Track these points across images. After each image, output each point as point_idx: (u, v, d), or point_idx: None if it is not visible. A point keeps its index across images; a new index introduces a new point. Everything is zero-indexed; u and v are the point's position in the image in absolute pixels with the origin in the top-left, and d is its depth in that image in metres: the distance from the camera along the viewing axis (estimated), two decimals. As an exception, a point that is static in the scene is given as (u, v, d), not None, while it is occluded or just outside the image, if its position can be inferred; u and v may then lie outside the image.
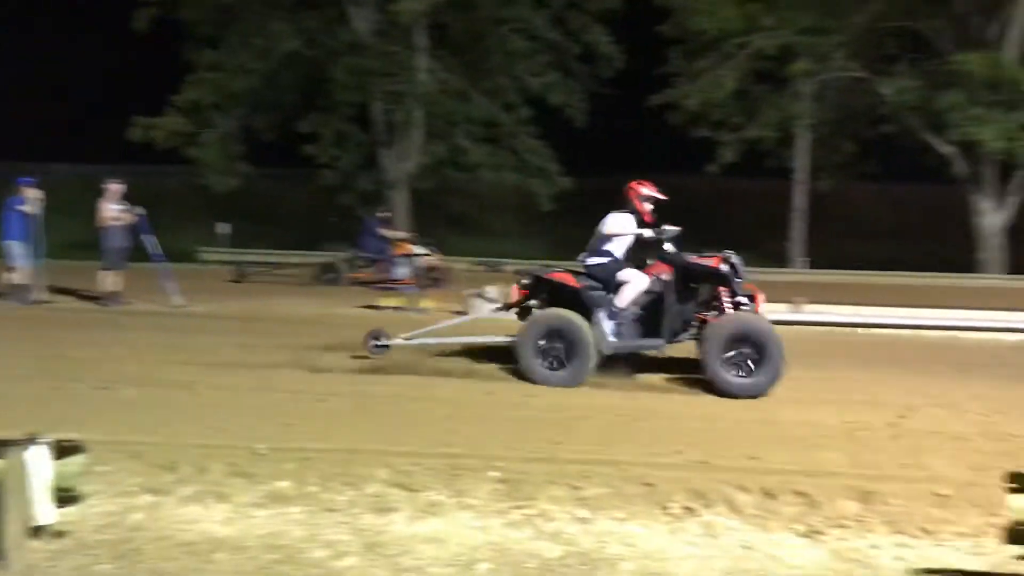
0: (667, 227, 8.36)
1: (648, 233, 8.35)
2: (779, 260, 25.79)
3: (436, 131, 27.00)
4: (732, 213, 31.34)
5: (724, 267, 8.25)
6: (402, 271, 16.96)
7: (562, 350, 8.11)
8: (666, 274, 8.30)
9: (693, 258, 8.35)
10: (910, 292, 17.76)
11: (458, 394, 7.67)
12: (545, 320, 8.26)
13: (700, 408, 7.44)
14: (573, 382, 8.03)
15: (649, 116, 26.78)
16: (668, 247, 8.38)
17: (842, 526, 4.61)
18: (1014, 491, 3.76)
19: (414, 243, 17.59)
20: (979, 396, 8.04)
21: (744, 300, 8.27)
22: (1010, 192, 25.01)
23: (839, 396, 7.99)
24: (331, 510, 4.78)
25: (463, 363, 8.97)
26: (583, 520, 4.60)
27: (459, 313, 11.04)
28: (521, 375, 8.19)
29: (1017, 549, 3.78)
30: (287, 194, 31.13)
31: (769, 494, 5.05)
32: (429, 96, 26.38)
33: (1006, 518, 3.77)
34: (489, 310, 12.04)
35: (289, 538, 4.45)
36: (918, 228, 28.78)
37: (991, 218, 25.06)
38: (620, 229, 8.40)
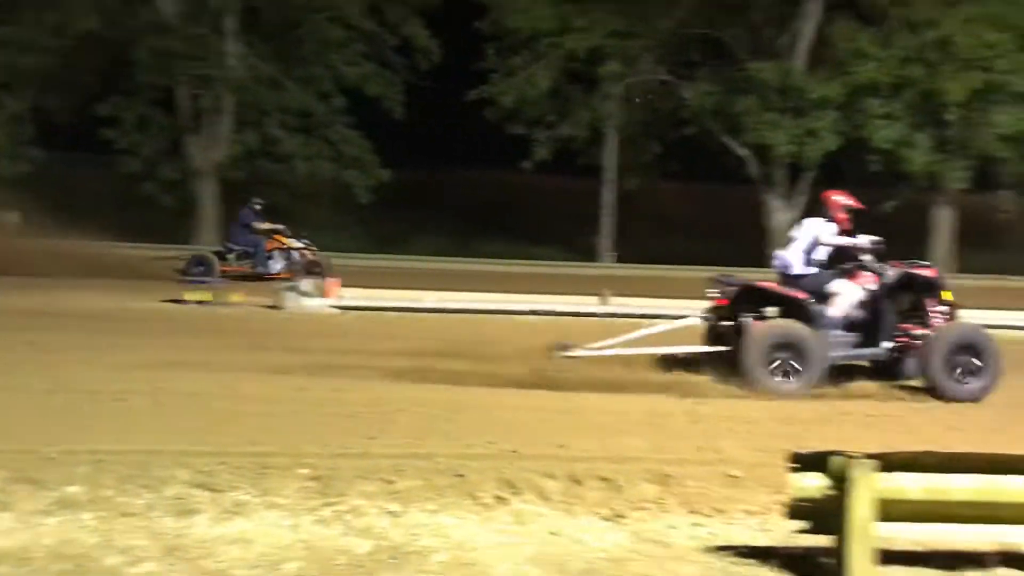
0: (872, 237, 8.52)
1: (862, 242, 8.49)
2: (589, 255, 26.68)
3: (247, 119, 26.09)
4: (546, 208, 32.12)
5: (938, 277, 8.54)
6: (277, 265, 16.47)
7: (791, 360, 8.00)
8: (871, 283, 8.40)
9: (909, 267, 8.53)
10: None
11: (266, 391, 7.46)
12: (773, 331, 8.13)
13: (512, 400, 7.58)
14: (803, 392, 7.93)
15: (467, 111, 27.01)
16: (867, 257, 8.46)
17: (642, 508, 4.82)
18: (795, 470, 4.07)
19: (289, 235, 16.96)
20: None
21: (944, 309, 8.42)
22: (798, 193, 26.96)
23: (642, 384, 8.33)
24: (127, 514, 4.53)
25: (277, 358, 8.75)
26: (394, 514, 4.59)
27: (678, 318, 9.80)
28: (320, 374, 8.07)
29: (798, 524, 4.09)
30: (84, 181, 29.15)
31: (576, 480, 5.21)
32: (239, 82, 25.47)
33: (788, 496, 4.06)
34: (304, 304, 11.81)
35: (80, 546, 4.19)
36: (718, 225, 30.45)
37: (781, 216, 26.93)
38: (832, 239, 8.50)
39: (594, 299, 14.19)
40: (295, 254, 16.73)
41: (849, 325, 8.42)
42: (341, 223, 27.77)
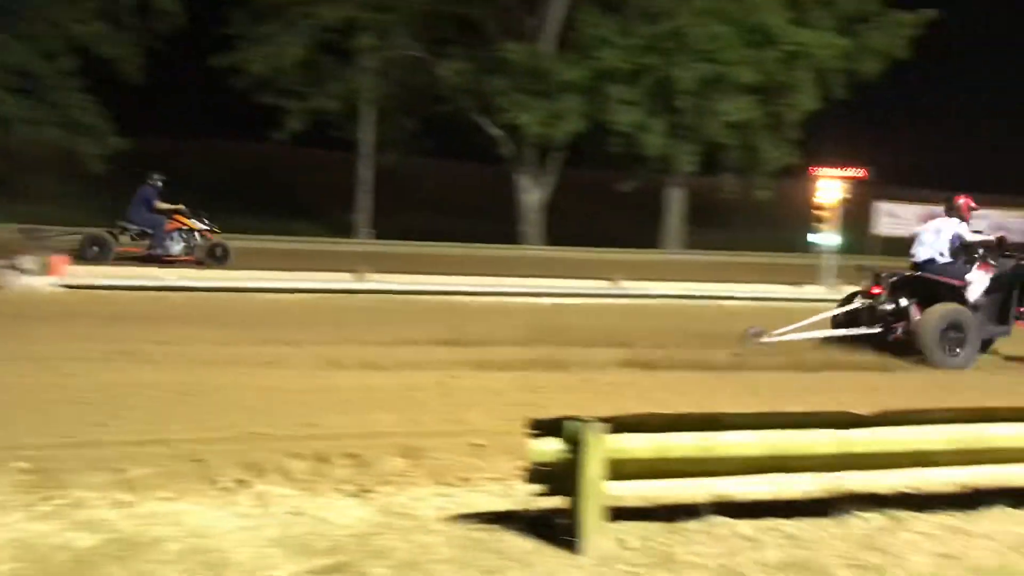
0: (992, 236, 10.30)
1: (989, 238, 10.15)
2: (345, 231, 26.34)
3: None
4: (300, 183, 31.33)
5: None
6: (176, 247, 15.75)
7: (958, 339, 9.35)
8: (991, 272, 9.84)
9: (1020, 260, 10.00)
10: (468, 262, 19.03)
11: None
12: (945, 314, 9.42)
13: (260, 380, 7.35)
14: (967, 365, 9.32)
15: (214, 79, 25.74)
16: (981, 251, 9.93)
17: (389, 483, 4.83)
18: (533, 436, 4.23)
19: (189, 216, 16.02)
20: (512, 354, 8.86)
21: None
22: (547, 172, 28.01)
23: (397, 360, 8.35)
24: None
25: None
26: (125, 504, 4.30)
27: (847, 301, 10.33)
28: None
29: (537, 487, 4.25)
30: None
31: (322, 459, 5.14)
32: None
33: (528, 461, 4.21)
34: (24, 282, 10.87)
35: None
36: (472, 203, 31.07)
37: (531, 195, 27.89)
38: (971, 236, 9.90)
39: (348, 275, 14.05)
40: (196, 235, 15.98)
41: (984, 308, 9.87)
42: (69, 194, 25.63)
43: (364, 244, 24.35)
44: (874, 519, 4.57)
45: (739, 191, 28.59)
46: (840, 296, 11.00)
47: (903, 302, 9.77)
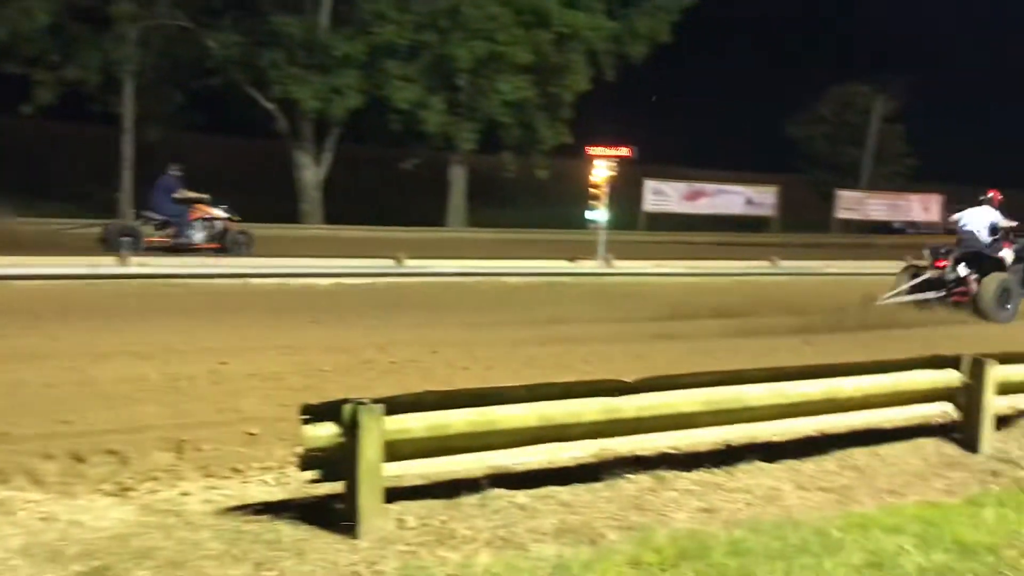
0: (1012, 222, 12.88)
1: (1012, 223, 12.87)
2: (110, 211, 24.58)
3: None
4: (56, 160, 28.94)
5: None
6: (199, 235, 15.92)
7: (1007, 299, 12.39)
8: (1012, 248, 12.74)
9: None
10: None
11: None
12: (1001, 281, 12.41)
13: (6, 375, 6.70)
14: (1012, 318, 12.28)
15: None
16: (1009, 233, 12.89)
17: (154, 479, 4.55)
18: (307, 421, 4.10)
19: (211, 204, 16.20)
20: (291, 337, 8.62)
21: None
22: (326, 149, 27.39)
23: (162, 348, 7.87)
24: None
25: None
26: None
27: (911, 272, 13.05)
28: None
29: (310, 474, 4.13)
30: None
31: (78, 458, 4.76)
32: None
33: (302, 447, 4.08)
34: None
35: None
36: (250, 180, 29.90)
37: (310, 173, 27.21)
38: (1004, 222, 12.72)
39: (113, 260, 13.12)
40: (218, 224, 16.17)
41: (1014, 275, 12.74)
42: None
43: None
44: (642, 480, 4.80)
45: (518, 169, 29.22)
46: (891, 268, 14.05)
47: (962, 272, 12.67)
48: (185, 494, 4.32)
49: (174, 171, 16.37)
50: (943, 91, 44.35)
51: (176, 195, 16.02)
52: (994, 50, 49.56)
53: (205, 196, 16.36)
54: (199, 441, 5.15)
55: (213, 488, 4.45)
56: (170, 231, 15.95)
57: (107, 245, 15.04)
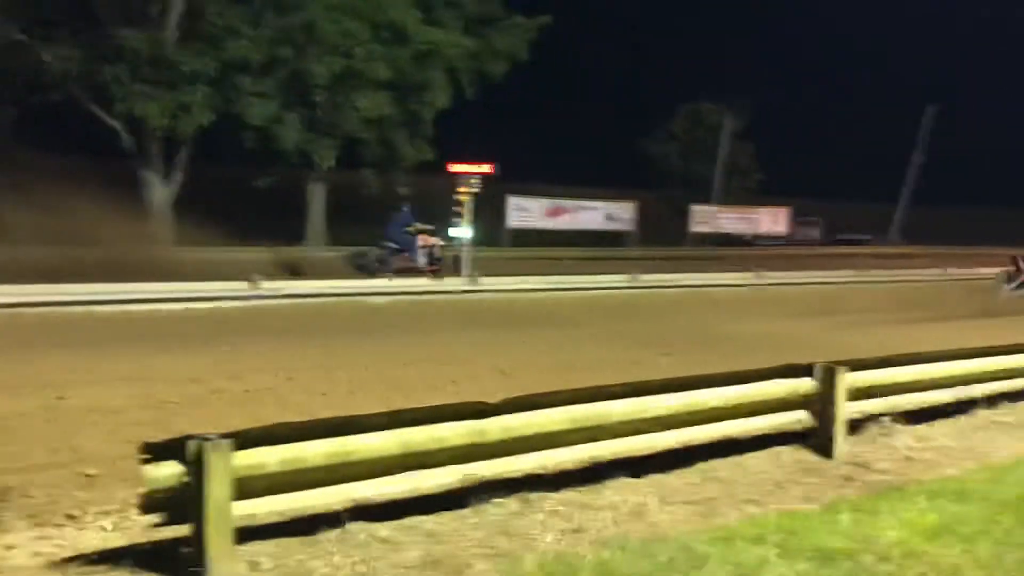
0: None
1: None
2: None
3: None
4: None
5: None
6: (423, 259, 18.47)
7: None
8: None
9: None
10: (86, 268, 17.05)
11: None
12: None
13: None
14: None
15: None
16: None
17: (-29, 532, 4.11)
18: (147, 461, 3.77)
19: (433, 233, 18.65)
20: (135, 367, 8.12)
21: None
22: (176, 168, 26.27)
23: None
24: None
25: None
26: None
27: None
28: None
29: (154, 517, 3.81)
30: None
31: None
32: None
33: (144, 488, 3.76)
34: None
35: None
36: (90, 202, 28.32)
37: (159, 192, 26.03)
38: None
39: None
40: (436, 249, 18.71)
41: None
42: None
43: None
44: (509, 504, 4.68)
45: (381, 186, 28.82)
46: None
47: None
48: (10, 547, 3.91)
49: (406, 208, 19.48)
50: (790, 110, 46.86)
51: (408, 228, 18.75)
52: (838, 72, 52.82)
53: (431, 227, 19.02)
54: (28, 486, 4.71)
55: (43, 538, 4.05)
56: (403, 256, 18.73)
57: (367, 271, 19.00)
